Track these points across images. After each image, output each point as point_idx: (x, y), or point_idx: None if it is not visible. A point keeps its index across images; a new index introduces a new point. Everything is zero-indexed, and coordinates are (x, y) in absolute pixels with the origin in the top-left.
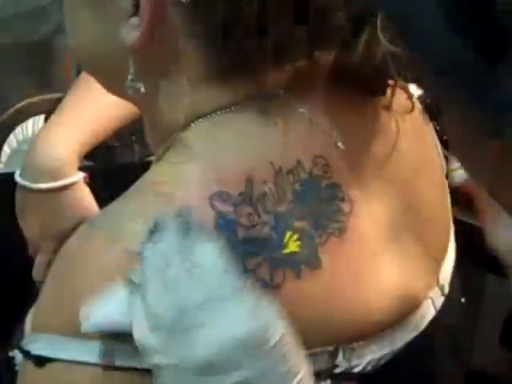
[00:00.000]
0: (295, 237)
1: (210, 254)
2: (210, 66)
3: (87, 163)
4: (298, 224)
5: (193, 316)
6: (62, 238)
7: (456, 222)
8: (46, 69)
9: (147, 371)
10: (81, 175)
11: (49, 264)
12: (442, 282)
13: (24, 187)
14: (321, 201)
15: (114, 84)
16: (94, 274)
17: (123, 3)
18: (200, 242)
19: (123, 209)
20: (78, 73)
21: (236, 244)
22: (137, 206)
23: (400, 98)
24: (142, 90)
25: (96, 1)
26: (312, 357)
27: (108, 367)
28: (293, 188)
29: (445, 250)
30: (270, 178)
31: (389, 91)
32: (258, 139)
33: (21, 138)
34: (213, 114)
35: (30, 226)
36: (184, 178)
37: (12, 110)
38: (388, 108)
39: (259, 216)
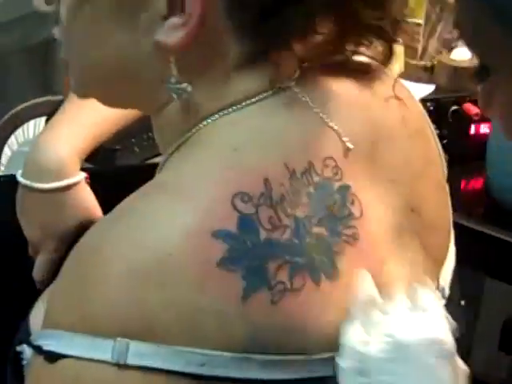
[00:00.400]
0: (314, 242)
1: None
2: (241, 54)
3: (87, 165)
4: (315, 230)
5: None
6: (64, 238)
7: (455, 224)
8: (46, 71)
9: (161, 370)
10: (83, 175)
11: (49, 263)
12: (442, 284)
13: (26, 187)
14: (334, 204)
15: (135, 94)
16: (113, 273)
17: (157, 7)
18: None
19: (144, 208)
20: None
21: (258, 246)
22: (158, 205)
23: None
24: (189, 89)
25: (126, 10)
26: (321, 362)
27: (120, 365)
28: (307, 191)
29: (445, 252)
30: (286, 180)
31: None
32: (272, 138)
33: (22, 139)
34: (228, 110)
35: (32, 225)
36: (206, 179)
37: (12, 112)
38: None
39: (279, 219)
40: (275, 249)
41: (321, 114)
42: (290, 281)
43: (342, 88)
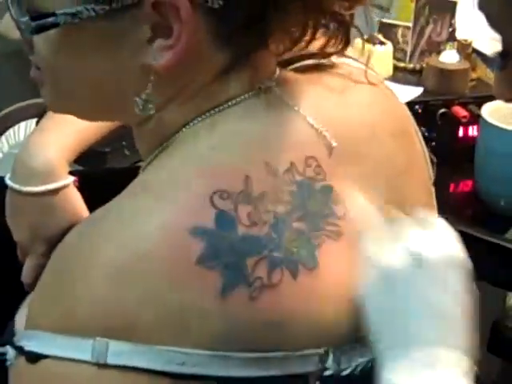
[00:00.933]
0: (293, 237)
1: None
2: (218, 65)
3: (78, 168)
4: (296, 225)
5: None
6: (52, 241)
7: None
8: None
9: (141, 370)
10: (71, 178)
11: (38, 267)
12: None
13: (14, 190)
14: (316, 203)
15: (108, 112)
16: (92, 272)
17: (139, 32)
18: None
19: (123, 207)
20: None
21: (236, 242)
22: (136, 204)
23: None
24: (152, 112)
25: (108, 40)
26: (302, 358)
27: (100, 365)
28: (289, 189)
29: None
30: (267, 178)
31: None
32: (252, 138)
33: (13, 141)
34: (208, 113)
35: (20, 228)
36: (184, 177)
37: (1, 114)
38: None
39: (259, 215)
40: (253, 244)
41: (302, 113)
42: (268, 276)
43: (323, 88)
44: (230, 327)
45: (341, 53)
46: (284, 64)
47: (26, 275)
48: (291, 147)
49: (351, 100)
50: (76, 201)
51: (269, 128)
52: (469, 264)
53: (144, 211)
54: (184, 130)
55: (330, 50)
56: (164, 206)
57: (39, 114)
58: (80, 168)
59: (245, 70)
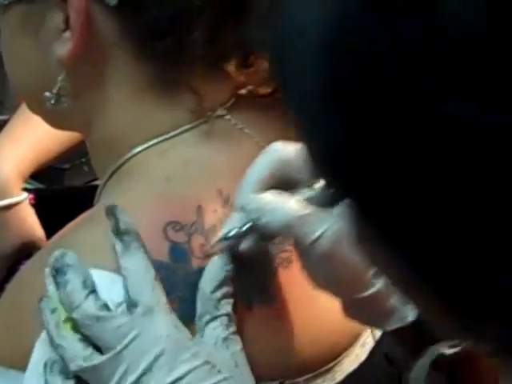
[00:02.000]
0: (248, 269)
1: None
2: (143, 74)
3: (36, 184)
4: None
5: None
6: (4, 259)
7: None
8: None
9: None
10: (25, 195)
11: None
12: None
13: None
14: None
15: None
16: (27, 310)
17: (55, 21)
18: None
19: (77, 239)
20: None
21: (190, 275)
22: (87, 238)
23: None
24: (66, 105)
25: (29, 25)
26: None
27: None
28: None
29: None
30: (219, 207)
31: None
32: (205, 166)
33: None
34: (160, 138)
35: None
36: (136, 209)
37: None
38: None
39: (211, 247)
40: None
41: (255, 139)
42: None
43: (277, 116)
44: None
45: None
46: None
47: None
48: (243, 173)
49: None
50: (29, 218)
51: (219, 155)
52: None
53: (98, 244)
54: (133, 154)
55: None
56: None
57: None
58: (38, 184)
59: (190, 97)
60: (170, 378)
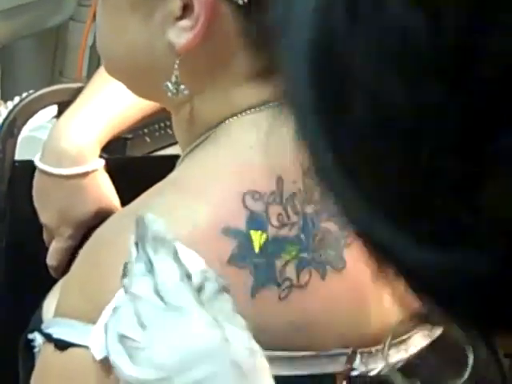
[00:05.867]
0: (322, 237)
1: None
2: (255, 65)
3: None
4: (324, 225)
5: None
6: (79, 225)
7: None
8: (57, 57)
9: None
10: (102, 162)
11: (64, 250)
12: None
13: (44, 172)
14: None
15: (149, 86)
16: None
17: (171, 7)
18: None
19: (157, 205)
20: (91, 60)
21: (266, 242)
22: (171, 203)
23: None
24: (186, 92)
25: (145, 6)
26: (329, 358)
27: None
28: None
29: None
30: (299, 178)
31: None
32: (288, 138)
33: (32, 124)
34: (249, 111)
35: (48, 210)
36: (217, 176)
37: (27, 100)
38: None
39: (288, 216)
40: (282, 245)
41: None
42: (297, 277)
43: None
44: (258, 326)
45: None
46: None
47: (51, 258)
48: None
49: None
50: (105, 185)
51: None
52: None
53: (178, 210)
54: (222, 125)
55: None
56: (198, 206)
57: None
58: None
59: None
60: None
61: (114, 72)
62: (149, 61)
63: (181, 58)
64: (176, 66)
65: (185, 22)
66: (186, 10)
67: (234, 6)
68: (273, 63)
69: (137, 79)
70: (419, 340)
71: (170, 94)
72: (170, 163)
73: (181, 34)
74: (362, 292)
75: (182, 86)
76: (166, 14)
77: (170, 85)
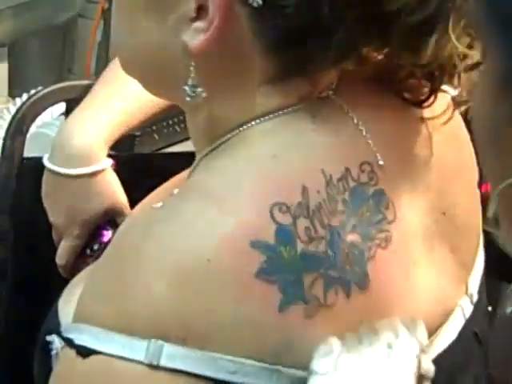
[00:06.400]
0: (347, 252)
1: None
2: (271, 69)
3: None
4: (349, 237)
5: None
6: (87, 224)
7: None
8: (66, 53)
9: (191, 374)
10: (110, 162)
11: (72, 249)
12: (470, 290)
13: (52, 171)
14: (368, 209)
15: (165, 87)
16: (153, 274)
17: (186, 8)
18: None
19: (185, 213)
20: (99, 57)
21: (295, 258)
22: (199, 212)
23: (440, 104)
24: (204, 95)
25: (160, 6)
26: None
27: (152, 366)
28: (343, 197)
29: (474, 258)
30: (323, 187)
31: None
32: (310, 145)
33: (40, 121)
34: (267, 117)
35: (57, 210)
36: (241, 186)
37: (36, 97)
38: (429, 118)
39: (316, 230)
40: (311, 262)
41: (355, 121)
42: (324, 295)
43: (379, 94)
44: (284, 342)
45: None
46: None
47: (60, 257)
48: (346, 153)
49: (406, 108)
50: (113, 184)
51: (323, 134)
52: None
53: (206, 221)
54: (241, 130)
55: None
56: (226, 217)
57: (70, 96)
58: (111, 152)
59: (300, 81)
60: None
61: (130, 72)
62: (164, 62)
63: (196, 60)
64: (192, 69)
65: (199, 24)
66: (201, 11)
67: (249, 8)
68: (290, 66)
69: (153, 80)
70: (437, 346)
71: (187, 97)
72: (179, 160)
73: (195, 36)
74: (385, 303)
75: (200, 89)
76: (180, 14)
77: (187, 88)
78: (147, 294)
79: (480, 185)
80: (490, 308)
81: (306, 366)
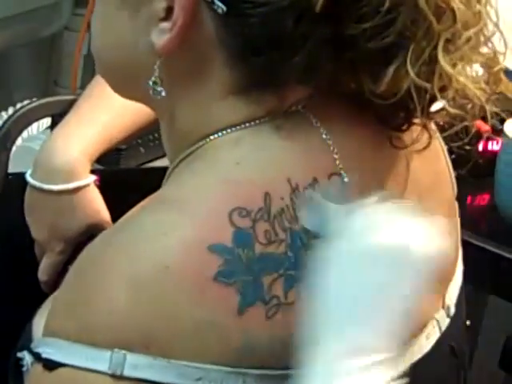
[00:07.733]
0: (308, 254)
1: None
2: (235, 79)
3: (93, 166)
4: (312, 242)
5: None
6: (70, 240)
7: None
8: (52, 67)
9: (156, 383)
10: (92, 178)
11: (55, 265)
12: (448, 303)
13: (34, 187)
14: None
15: (132, 87)
16: (112, 284)
17: (156, 8)
18: None
19: (143, 221)
20: (85, 70)
21: (253, 260)
22: (157, 218)
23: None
24: (163, 93)
25: (131, 4)
26: None
27: (116, 376)
28: (309, 205)
29: (452, 271)
30: (287, 195)
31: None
32: (276, 155)
33: (26, 135)
34: (234, 128)
35: (39, 226)
36: (204, 193)
37: (22, 111)
38: (404, 146)
39: (276, 233)
40: (270, 263)
41: (324, 136)
42: (285, 295)
43: (352, 114)
44: (247, 344)
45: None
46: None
47: (42, 273)
48: (315, 164)
49: (380, 130)
50: (96, 200)
51: (291, 145)
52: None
53: (166, 225)
54: (206, 141)
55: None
56: (185, 221)
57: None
58: (95, 165)
59: (268, 93)
60: None
61: (103, 72)
62: (132, 59)
63: (161, 59)
64: (155, 67)
65: (165, 24)
66: (170, 12)
67: (214, 14)
68: (255, 78)
69: (121, 77)
70: (410, 356)
71: (151, 92)
72: (164, 175)
73: (160, 36)
74: None
75: (160, 88)
76: (151, 13)
77: (150, 84)
78: (107, 305)
79: (459, 197)
80: (468, 322)
81: (271, 365)
